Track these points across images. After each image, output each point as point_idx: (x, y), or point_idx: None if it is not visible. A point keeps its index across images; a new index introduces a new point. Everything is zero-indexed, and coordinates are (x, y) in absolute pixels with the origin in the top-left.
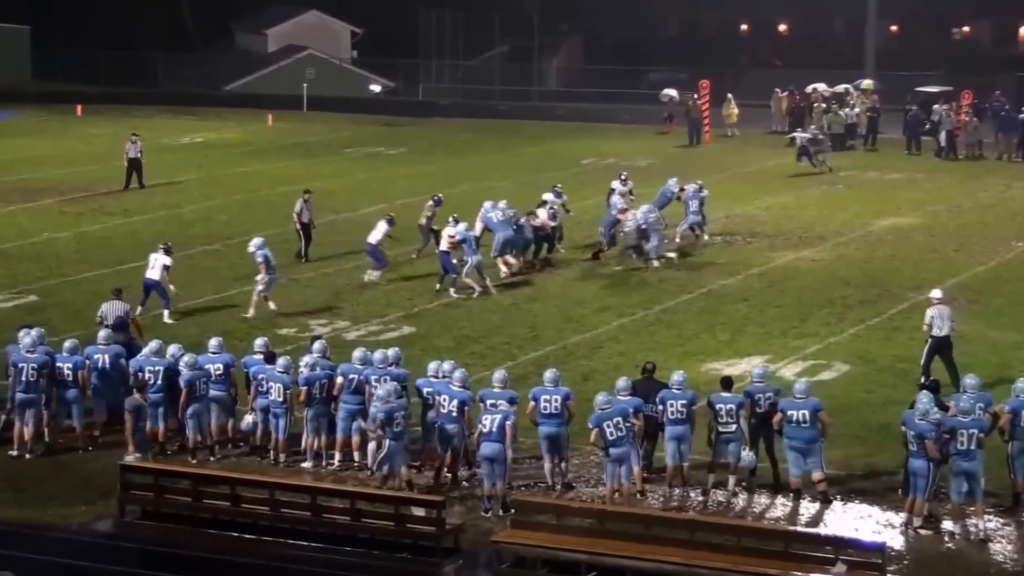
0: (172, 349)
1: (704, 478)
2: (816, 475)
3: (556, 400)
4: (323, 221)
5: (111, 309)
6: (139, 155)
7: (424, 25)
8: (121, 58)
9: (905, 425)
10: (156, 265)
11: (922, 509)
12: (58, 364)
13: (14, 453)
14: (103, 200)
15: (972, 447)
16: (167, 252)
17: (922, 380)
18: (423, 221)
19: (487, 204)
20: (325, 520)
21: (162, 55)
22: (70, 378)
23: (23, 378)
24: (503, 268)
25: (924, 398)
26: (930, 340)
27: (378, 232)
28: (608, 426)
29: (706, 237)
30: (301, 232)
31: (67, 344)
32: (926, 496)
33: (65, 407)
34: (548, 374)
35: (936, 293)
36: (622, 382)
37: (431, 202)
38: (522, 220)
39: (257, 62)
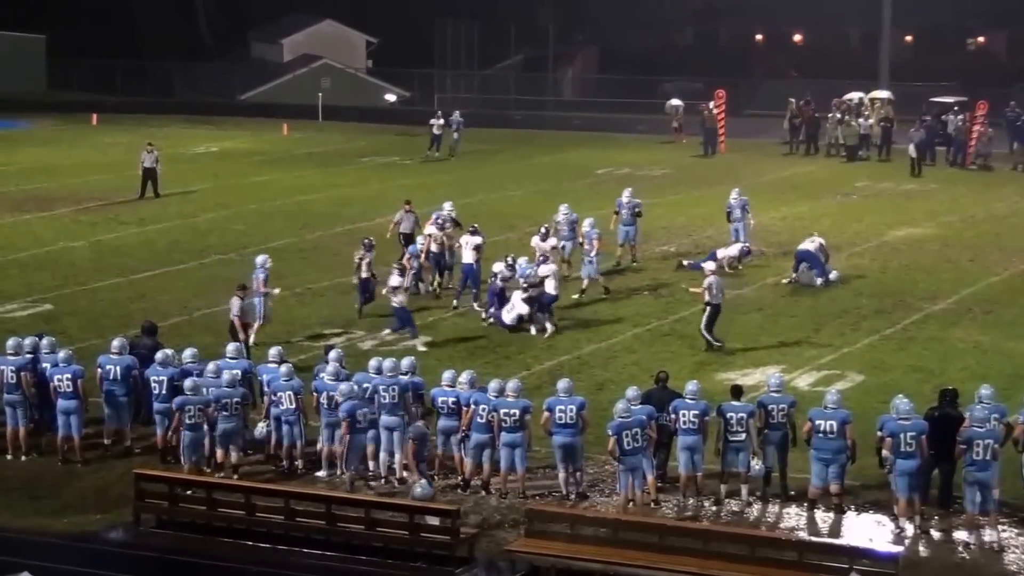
0: (167, 353)
1: (717, 488)
2: (834, 487)
3: (571, 410)
4: (338, 231)
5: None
6: (155, 164)
7: (439, 35)
8: (137, 68)
9: (896, 428)
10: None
11: (919, 508)
12: (57, 376)
13: (9, 457)
14: (118, 209)
15: (988, 457)
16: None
17: (709, 340)
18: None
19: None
20: (340, 529)
21: (178, 65)
22: (70, 389)
23: (4, 380)
24: None
25: (902, 400)
26: (709, 308)
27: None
28: (626, 435)
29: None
30: (402, 241)
31: (60, 355)
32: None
33: (63, 417)
34: (562, 384)
35: (711, 265)
36: (632, 392)
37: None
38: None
39: (272, 72)
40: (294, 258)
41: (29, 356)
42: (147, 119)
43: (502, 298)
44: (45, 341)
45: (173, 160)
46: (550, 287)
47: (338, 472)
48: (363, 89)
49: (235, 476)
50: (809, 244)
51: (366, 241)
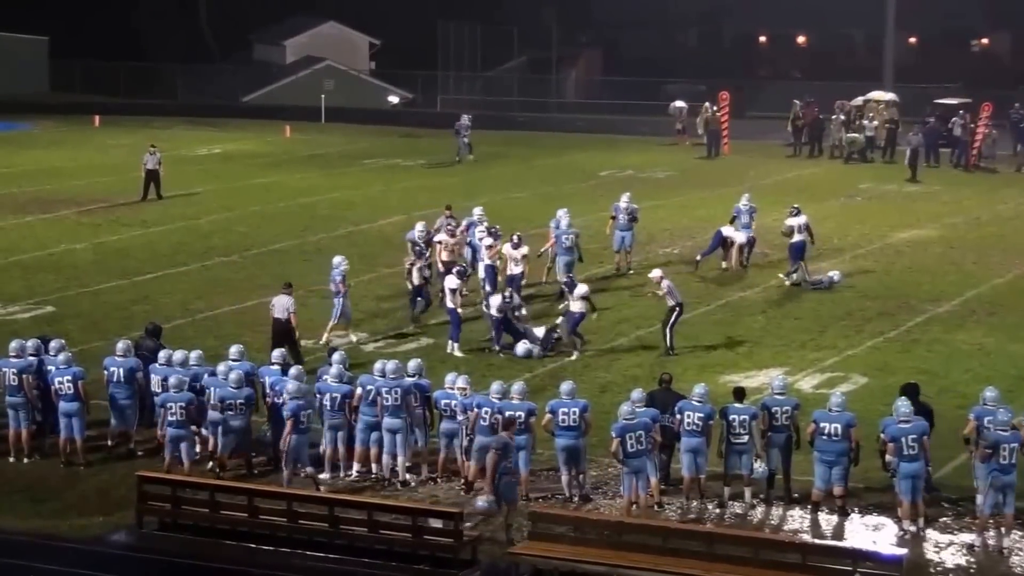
0: (178, 355)
1: (720, 490)
2: (838, 489)
3: (574, 412)
4: (340, 233)
5: (279, 302)
6: (157, 166)
7: (442, 36)
8: (140, 69)
9: (897, 432)
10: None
11: (923, 511)
12: (58, 378)
13: (12, 459)
14: (121, 211)
15: (1014, 461)
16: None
17: (670, 342)
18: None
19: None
20: (343, 531)
21: (181, 67)
22: (70, 391)
23: (6, 383)
24: None
25: (903, 403)
26: (677, 308)
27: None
28: (630, 437)
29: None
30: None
31: (60, 357)
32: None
33: (65, 419)
34: (565, 386)
35: (656, 273)
36: (637, 394)
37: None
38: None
39: (275, 73)
40: (297, 260)
41: (32, 359)
42: (150, 121)
43: (509, 327)
44: (55, 343)
45: (176, 162)
46: (577, 307)
47: (282, 469)
48: (366, 91)
49: (254, 467)
50: (801, 234)
51: (417, 248)
